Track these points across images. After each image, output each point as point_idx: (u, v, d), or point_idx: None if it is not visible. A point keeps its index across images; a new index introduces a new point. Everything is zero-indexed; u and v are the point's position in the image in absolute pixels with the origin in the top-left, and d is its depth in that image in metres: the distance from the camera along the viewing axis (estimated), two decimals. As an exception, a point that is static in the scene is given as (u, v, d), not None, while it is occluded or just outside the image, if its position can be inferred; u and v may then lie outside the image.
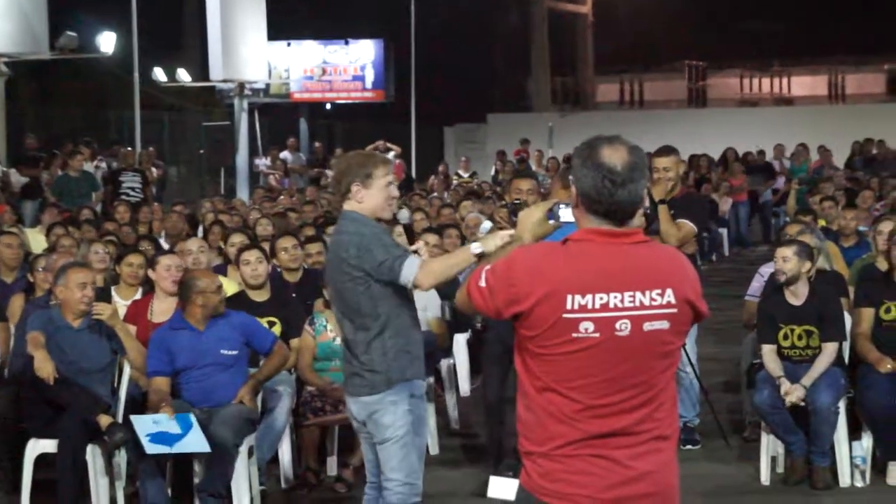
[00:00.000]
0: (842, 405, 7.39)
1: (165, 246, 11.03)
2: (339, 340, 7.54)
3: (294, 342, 7.81)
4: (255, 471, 7.18)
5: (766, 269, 8.50)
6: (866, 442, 7.48)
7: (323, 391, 7.56)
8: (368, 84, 28.59)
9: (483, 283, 3.52)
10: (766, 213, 21.44)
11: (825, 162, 22.72)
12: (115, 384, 7.30)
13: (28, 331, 7.07)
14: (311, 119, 31.55)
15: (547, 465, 3.43)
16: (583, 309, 3.37)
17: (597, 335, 3.38)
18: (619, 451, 3.41)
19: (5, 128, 20.35)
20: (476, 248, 5.09)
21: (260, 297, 8.02)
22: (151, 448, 6.62)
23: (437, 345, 8.54)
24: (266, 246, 8.95)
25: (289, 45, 28.36)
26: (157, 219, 14.35)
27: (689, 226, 7.91)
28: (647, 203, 3.98)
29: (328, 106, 31.77)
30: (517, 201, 6.90)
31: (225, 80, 24.28)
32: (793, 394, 7.18)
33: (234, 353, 7.10)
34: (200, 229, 13.36)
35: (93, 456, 6.86)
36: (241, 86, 24.51)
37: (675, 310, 3.44)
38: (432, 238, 9.73)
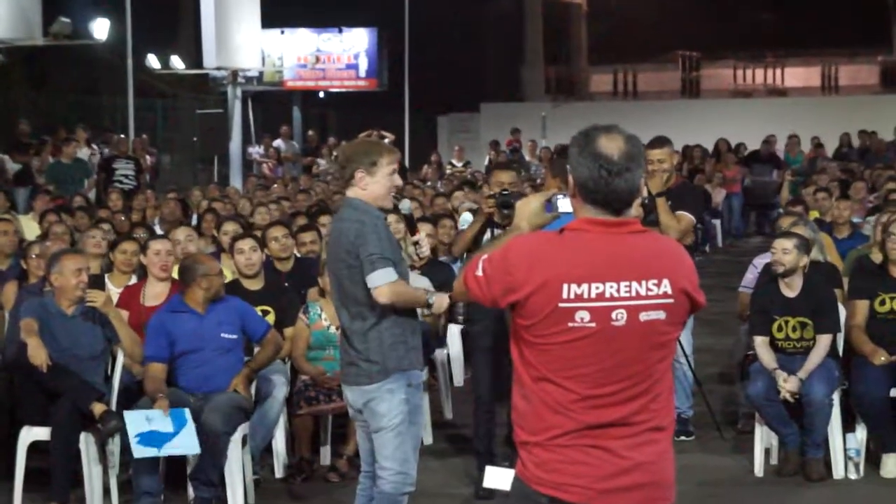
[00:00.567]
0: (836, 397, 7.40)
1: (160, 233, 10.99)
2: (333, 329, 7.56)
3: (288, 331, 7.80)
4: (249, 460, 7.18)
5: (760, 261, 8.50)
6: (860, 434, 7.49)
7: (316, 380, 7.56)
8: (362, 72, 28.56)
9: (480, 273, 3.52)
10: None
11: (818, 153, 22.76)
12: (109, 372, 7.29)
13: (21, 318, 7.05)
14: (305, 107, 31.49)
15: (543, 455, 3.43)
16: (579, 298, 3.37)
17: (593, 325, 3.38)
18: (615, 441, 3.41)
19: (-2, 114, 20.31)
20: (431, 298, 5.41)
21: (254, 285, 8.01)
22: (139, 451, 6.59)
23: (431, 335, 8.54)
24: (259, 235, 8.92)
25: (282, 32, 28.31)
26: (151, 206, 14.32)
27: (688, 217, 7.92)
28: (644, 193, 3.98)
29: (321, 94, 31.72)
30: (505, 191, 6.88)
31: (218, 68, 24.23)
32: (790, 384, 7.19)
33: (234, 336, 7.09)
34: (194, 217, 13.33)
35: (86, 444, 6.85)
36: (235, 73, 24.46)
37: (671, 300, 3.43)
38: (426, 227, 9.72)
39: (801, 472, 7.40)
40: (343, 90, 29.68)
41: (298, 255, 9.17)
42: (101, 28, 22.37)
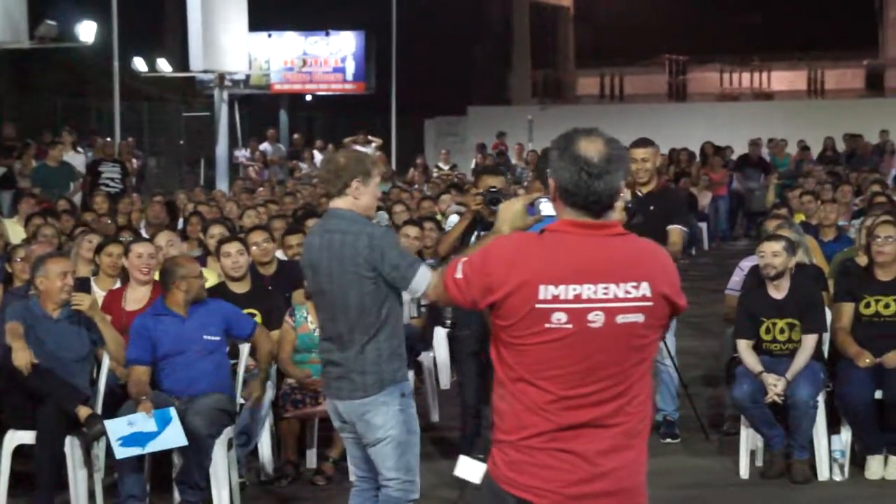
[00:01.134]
0: (821, 399, 7.42)
1: (145, 237, 10.96)
2: (319, 332, 7.54)
3: (274, 334, 7.78)
4: (235, 463, 7.16)
5: (746, 264, 8.52)
6: (845, 436, 7.51)
7: (302, 383, 7.55)
8: (349, 76, 28.57)
9: (459, 275, 3.54)
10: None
11: (804, 156, 22.83)
12: (95, 375, 7.27)
13: (6, 321, 7.03)
14: (292, 110, 31.48)
15: (514, 455, 3.44)
16: (555, 299, 3.38)
17: (569, 326, 3.39)
18: (588, 445, 3.41)
19: (-17, 117, 20.26)
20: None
21: (240, 288, 8.00)
22: (121, 452, 6.57)
23: (417, 339, 8.53)
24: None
25: (269, 36, 28.30)
26: (137, 210, 14.29)
27: (677, 231, 7.99)
28: (628, 197, 4.00)
29: (308, 97, 31.70)
30: (493, 188, 6.89)
31: (205, 71, 24.21)
32: (777, 385, 7.20)
33: (217, 338, 7.08)
34: (181, 221, 13.30)
35: (71, 447, 6.83)
36: (222, 77, 24.45)
37: (650, 303, 3.44)
38: (413, 230, 9.73)
39: (787, 474, 7.42)
40: (330, 93, 29.67)
41: (286, 257, 9.16)
42: (87, 31, 22.32)
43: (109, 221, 12.24)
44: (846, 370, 7.48)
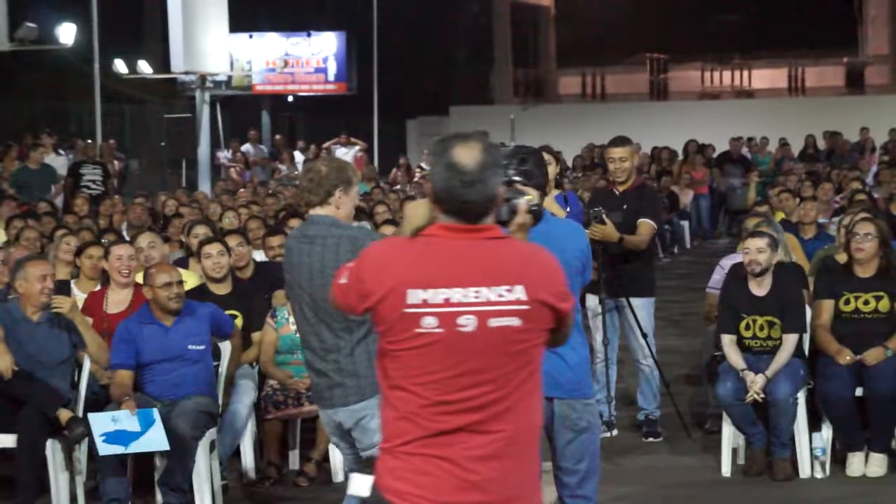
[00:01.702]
0: (801, 396, 7.45)
1: (128, 238, 10.93)
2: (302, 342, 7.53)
3: (255, 335, 7.77)
4: (217, 465, 7.15)
5: (726, 262, 8.54)
6: (826, 433, 7.53)
7: (284, 385, 7.54)
8: (331, 76, 28.53)
9: (343, 281, 3.50)
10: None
11: (785, 154, 22.89)
12: (76, 378, 7.25)
13: (-14, 325, 7.01)
14: (274, 111, 31.45)
15: (391, 462, 3.41)
16: (424, 304, 3.33)
17: (439, 330, 3.33)
18: (464, 451, 3.34)
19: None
20: None
21: (221, 290, 7.97)
22: (105, 449, 6.57)
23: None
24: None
25: (251, 37, 28.24)
26: (119, 211, 14.26)
27: (647, 224, 8.04)
28: (535, 201, 3.93)
29: (290, 98, 31.67)
30: None
31: (186, 73, 24.17)
32: (757, 384, 7.23)
33: (202, 347, 7.06)
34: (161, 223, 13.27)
35: (52, 451, 6.81)
36: (203, 78, 24.41)
37: (526, 307, 3.36)
38: (391, 230, 9.72)
39: (768, 472, 7.44)
40: (312, 94, 29.63)
41: (267, 258, 9.14)
42: (67, 33, 22.27)
43: (91, 223, 12.21)
44: (826, 367, 7.51)
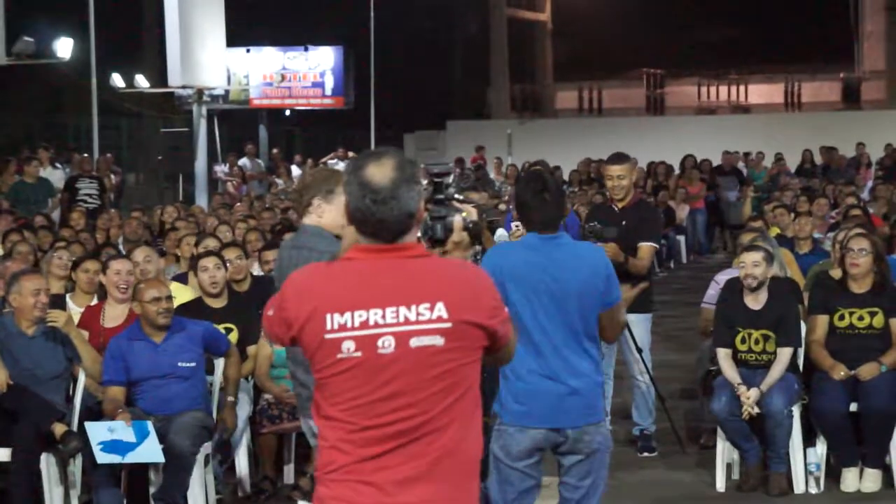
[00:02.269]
0: (796, 411, 7.45)
1: (124, 253, 10.92)
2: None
3: (251, 349, 7.78)
4: (212, 479, 7.16)
5: (721, 277, 8.55)
6: (821, 449, 7.54)
7: (280, 399, 7.55)
8: (328, 90, 28.54)
9: (270, 312, 3.40)
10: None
11: (781, 170, 22.92)
12: (71, 392, 7.25)
13: (-19, 339, 7.01)
14: (271, 125, 31.48)
15: (322, 491, 3.34)
16: (343, 328, 3.23)
17: (358, 354, 3.23)
18: (387, 475, 3.24)
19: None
20: None
21: (217, 303, 7.98)
22: (103, 457, 6.58)
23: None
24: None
25: (248, 51, 28.26)
26: (115, 226, 14.26)
27: (646, 248, 8.04)
28: (472, 218, 3.80)
29: (288, 112, 31.70)
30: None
31: (184, 87, 24.16)
32: (751, 397, 7.24)
33: (192, 364, 7.05)
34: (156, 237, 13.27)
35: (47, 464, 6.81)
36: (200, 92, 24.40)
37: (447, 325, 3.24)
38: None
39: (763, 487, 7.45)
40: (309, 108, 29.66)
41: (262, 272, 9.14)
42: (64, 47, 22.28)
43: (88, 237, 12.21)
44: (821, 383, 7.52)
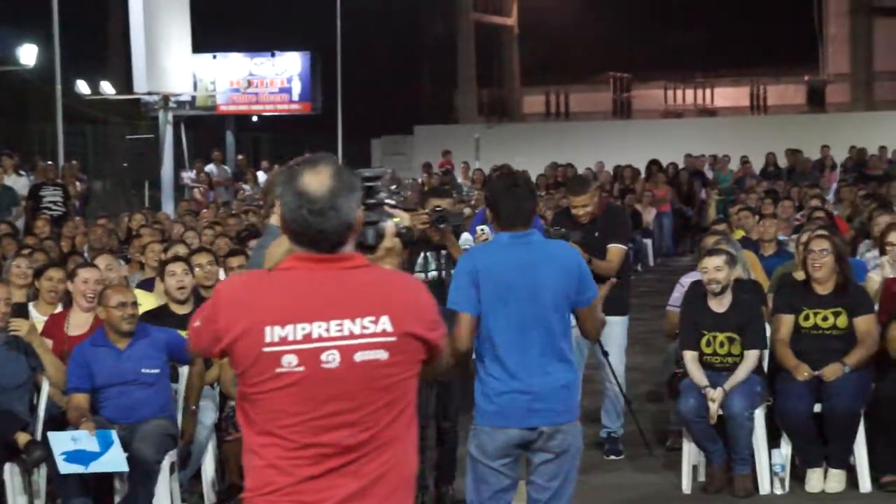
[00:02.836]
0: (760, 412, 7.49)
1: (89, 260, 10.87)
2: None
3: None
4: (178, 487, 7.12)
5: (686, 280, 8.58)
6: (785, 449, 7.58)
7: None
8: (295, 96, 28.50)
9: (197, 324, 3.26)
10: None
11: (746, 172, 23.02)
12: (34, 401, 7.20)
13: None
14: (238, 131, 31.38)
15: None
16: (283, 341, 3.10)
17: (301, 368, 3.10)
18: (330, 493, 3.13)
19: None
20: None
21: (183, 310, 7.94)
22: (66, 468, 6.53)
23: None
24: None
25: (214, 57, 28.19)
26: (81, 233, 14.18)
27: (616, 249, 8.06)
28: (404, 223, 3.73)
29: (255, 118, 31.62)
30: (438, 208, 6.91)
31: (149, 93, 24.06)
32: (716, 399, 7.27)
33: (156, 371, 7.01)
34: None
35: (10, 475, 6.77)
36: (166, 98, 24.31)
37: (392, 338, 3.15)
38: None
39: (728, 489, 7.47)
40: (276, 114, 29.60)
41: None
42: (28, 54, 22.19)
43: (52, 245, 12.13)
44: (785, 384, 7.56)
